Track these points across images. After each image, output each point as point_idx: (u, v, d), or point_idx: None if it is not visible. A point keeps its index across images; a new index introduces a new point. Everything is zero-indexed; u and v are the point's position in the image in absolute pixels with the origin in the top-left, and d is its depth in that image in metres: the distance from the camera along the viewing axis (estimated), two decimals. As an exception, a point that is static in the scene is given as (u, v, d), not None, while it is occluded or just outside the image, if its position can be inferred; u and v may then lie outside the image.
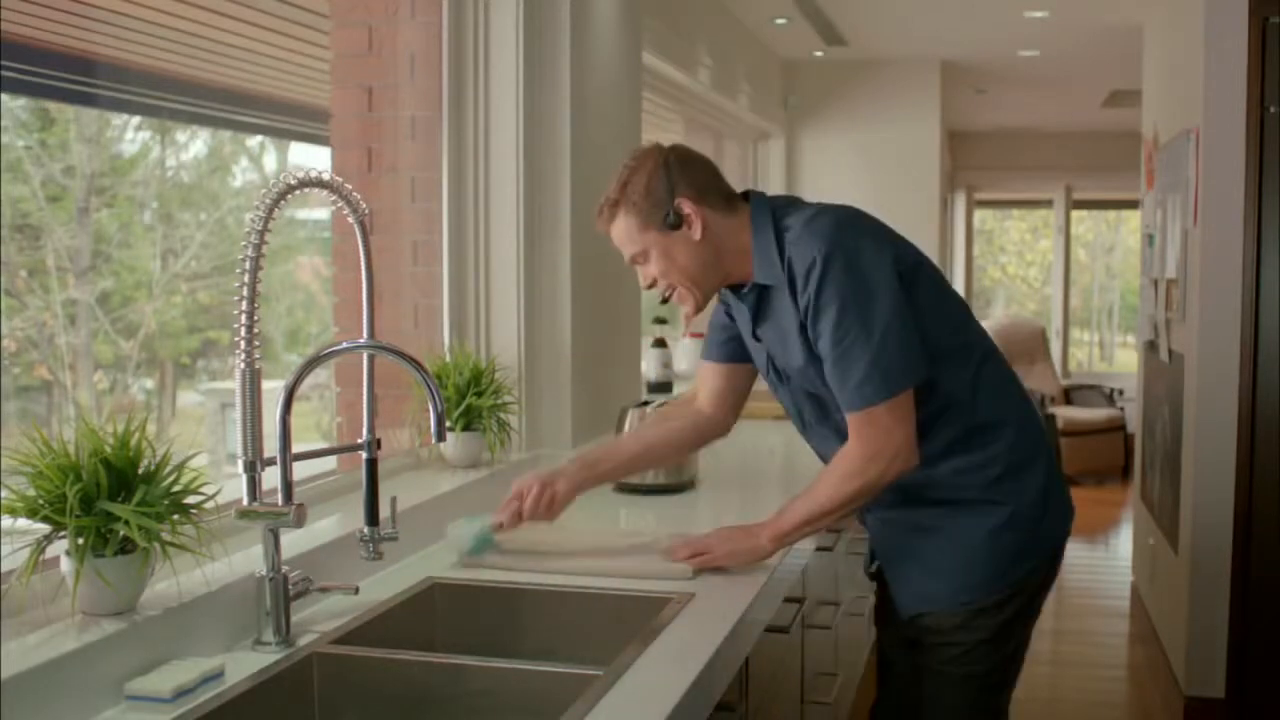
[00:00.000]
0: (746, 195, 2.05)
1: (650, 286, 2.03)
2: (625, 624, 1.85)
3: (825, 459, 2.13)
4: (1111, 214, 11.64)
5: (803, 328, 1.94)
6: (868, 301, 1.88)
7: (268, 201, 1.64)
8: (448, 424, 2.47)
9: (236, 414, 1.63)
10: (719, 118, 5.63)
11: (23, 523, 1.47)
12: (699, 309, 2.06)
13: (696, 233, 1.96)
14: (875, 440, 1.91)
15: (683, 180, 1.97)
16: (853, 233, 1.93)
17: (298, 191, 1.69)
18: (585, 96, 2.88)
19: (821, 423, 2.10)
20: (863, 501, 2.00)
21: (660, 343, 4.12)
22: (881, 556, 2.19)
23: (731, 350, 2.24)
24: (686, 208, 1.96)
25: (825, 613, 2.71)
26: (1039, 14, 5.43)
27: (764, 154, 6.47)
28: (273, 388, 1.76)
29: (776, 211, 1.99)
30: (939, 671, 2.11)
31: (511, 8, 2.71)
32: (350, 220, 1.84)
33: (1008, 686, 2.21)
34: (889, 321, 1.88)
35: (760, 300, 2.01)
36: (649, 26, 3.71)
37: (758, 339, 2.08)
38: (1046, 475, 2.07)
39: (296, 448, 1.69)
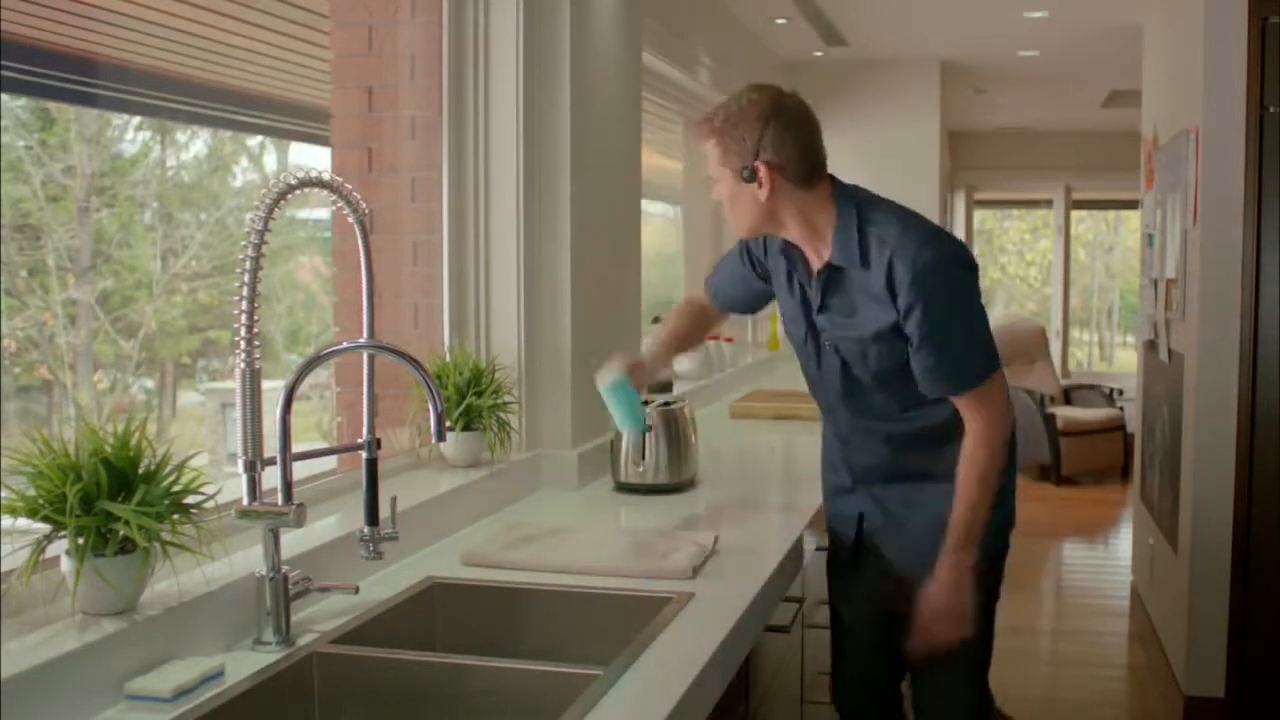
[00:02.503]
0: (831, 178, 2.18)
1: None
2: (625, 624, 1.85)
3: (834, 419, 2.37)
4: (1111, 214, 11.65)
5: (877, 304, 2.11)
6: (972, 299, 2.14)
7: (268, 201, 1.64)
8: (448, 424, 2.47)
9: (236, 414, 1.63)
10: (719, 118, 5.62)
11: (23, 523, 1.47)
12: (741, 239, 2.33)
13: (763, 195, 2.10)
14: (993, 410, 2.16)
15: (774, 145, 2.09)
16: (952, 241, 2.19)
17: (298, 191, 1.69)
18: (585, 96, 2.88)
19: (847, 387, 2.27)
20: (1001, 471, 2.18)
21: (660, 343, 4.11)
22: (873, 525, 2.36)
23: (734, 298, 2.51)
24: (763, 172, 2.09)
25: (825, 612, 2.71)
26: (1039, 14, 5.43)
27: (764, 154, 6.46)
28: (273, 388, 1.76)
29: (860, 203, 2.16)
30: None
31: (511, 8, 2.71)
32: (350, 220, 1.84)
33: (988, 666, 2.43)
34: (982, 313, 2.17)
35: (832, 277, 2.17)
36: (649, 26, 3.71)
37: (819, 307, 2.21)
38: (1012, 462, 2.31)
39: (296, 448, 1.69)
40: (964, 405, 2.16)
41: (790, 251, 2.24)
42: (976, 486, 2.15)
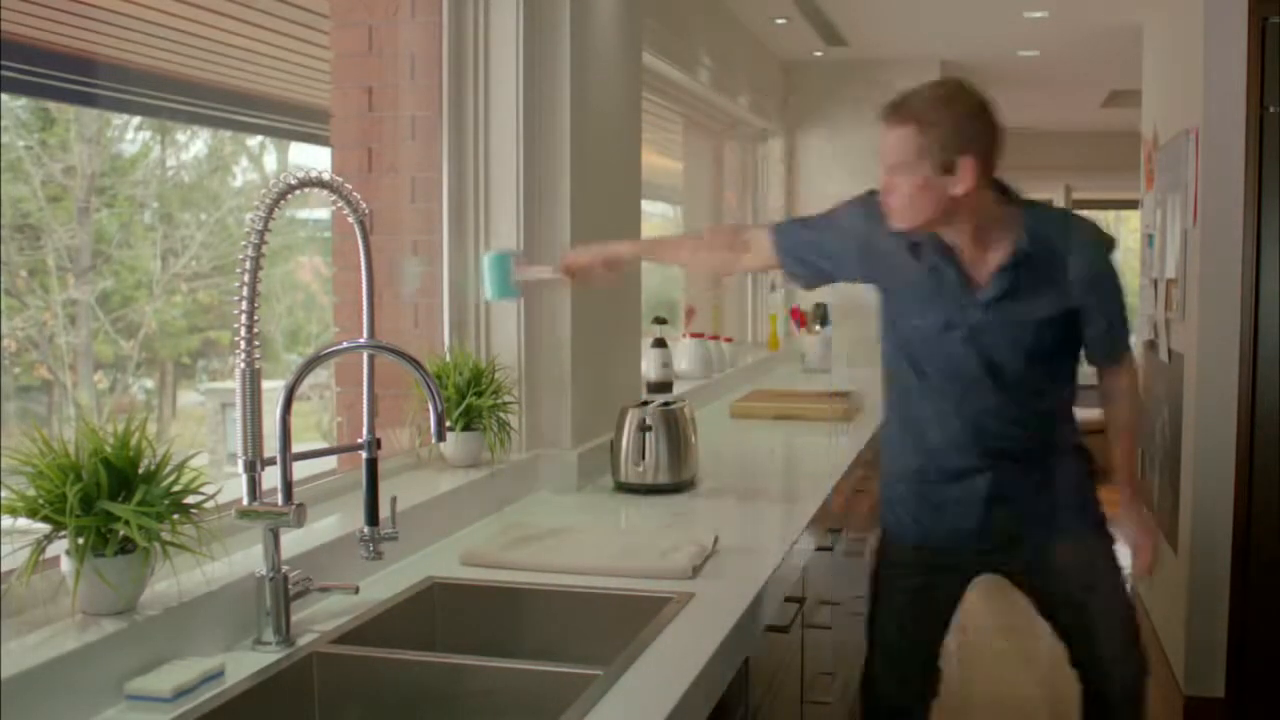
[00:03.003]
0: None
1: (884, 190, 2.28)
2: (625, 624, 1.85)
3: (962, 402, 2.42)
4: (1111, 214, 11.65)
5: (1058, 286, 2.30)
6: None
7: (268, 201, 1.64)
8: (448, 424, 2.47)
9: (236, 414, 1.63)
10: (719, 118, 5.63)
11: (23, 523, 1.47)
12: (904, 227, 2.30)
13: (959, 188, 2.18)
14: (1134, 366, 2.52)
15: (983, 142, 2.19)
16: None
17: (298, 191, 1.69)
18: (585, 96, 2.88)
19: (995, 374, 2.37)
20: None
21: (660, 343, 4.11)
22: (1011, 500, 2.45)
23: (807, 259, 2.52)
24: (967, 168, 2.15)
25: (825, 612, 2.71)
26: (1039, 14, 5.43)
27: (764, 154, 6.47)
28: (273, 388, 1.76)
29: (1011, 196, 2.34)
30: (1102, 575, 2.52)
31: (511, 8, 2.71)
32: (350, 220, 1.84)
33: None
34: None
35: (1018, 267, 2.29)
36: (649, 26, 3.71)
37: (999, 297, 2.30)
38: None
39: (296, 448, 1.69)
40: (1124, 363, 2.46)
41: (929, 247, 2.31)
42: (1138, 434, 2.51)
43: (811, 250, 2.51)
